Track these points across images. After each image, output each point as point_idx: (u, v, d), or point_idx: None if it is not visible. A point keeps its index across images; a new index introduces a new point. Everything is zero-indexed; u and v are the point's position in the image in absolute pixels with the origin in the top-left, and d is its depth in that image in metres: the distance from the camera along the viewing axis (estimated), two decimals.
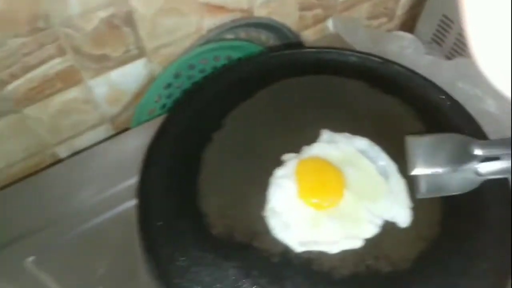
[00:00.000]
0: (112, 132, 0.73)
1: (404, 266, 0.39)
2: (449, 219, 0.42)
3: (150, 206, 0.43)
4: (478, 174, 0.38)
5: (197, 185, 0.45)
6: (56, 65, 0.56)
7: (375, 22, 0.92)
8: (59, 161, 0.70)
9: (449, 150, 0.39)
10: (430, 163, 0.38)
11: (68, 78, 0.58)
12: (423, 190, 0.40)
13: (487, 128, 0.73)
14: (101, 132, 0.72)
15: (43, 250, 0.50)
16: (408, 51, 0.80)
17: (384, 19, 0.93)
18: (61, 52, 0.55)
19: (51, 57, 0.55)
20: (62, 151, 0.70)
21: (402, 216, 0.42)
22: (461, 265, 0.40)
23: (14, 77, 0.54)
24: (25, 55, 0.52)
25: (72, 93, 0.61)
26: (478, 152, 0.38)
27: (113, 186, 0.55)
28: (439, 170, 0.38)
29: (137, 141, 0.52)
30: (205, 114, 0.51)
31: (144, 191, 0.44)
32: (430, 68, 0.74)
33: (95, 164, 0.58)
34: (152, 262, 0.40)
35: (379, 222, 0.41)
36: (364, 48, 0.78)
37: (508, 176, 0.40)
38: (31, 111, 0.60)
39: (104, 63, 0.60)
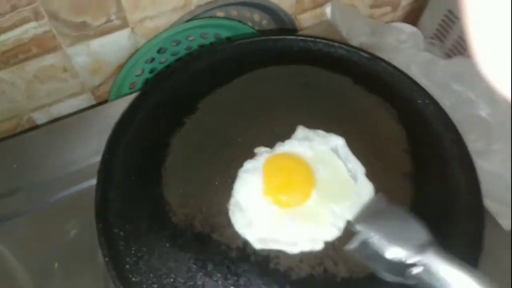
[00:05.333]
0: (93, 102, 0.71)
1: (361, 274, 0.38)
2: None
3: (109, 187, 0.42)
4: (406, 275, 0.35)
5: (162, 169, 0.44)
6: (31, 29, 0.54)
7: (378, 11, 0.88)
8: (36, 127, 0.68)
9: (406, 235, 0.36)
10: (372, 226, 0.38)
11: (44, 44, 0.56)
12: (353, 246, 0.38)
13: (476, 133, 0.71)
14: (82, 101, 0.70)
15: (5, 218, 0.49)
16: (405, 45, 0.77)
17: (387, 9, 0.90)
18: (36, 16, 0.52)
19: (25, 21, 0.52)
20: (40, 117, 0.68)
21: None
22: None
23: None
24: None
25: (49, 60, 0.59)
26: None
27: (87, 159, 0.54)
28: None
29: (117, 114, 0.49)
30: (179, 95, 0.49)
31: (105, 171, 0.42)
32: (426, 66, 0.71)
33: (70, 135, 0.56)
34: (105, 247, 0.39)
35: (342, 225, 0.40)
36: (360, 38, 0.75)
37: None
38: (5, 75, 0.58)
39: (83, 31, 0.57)
